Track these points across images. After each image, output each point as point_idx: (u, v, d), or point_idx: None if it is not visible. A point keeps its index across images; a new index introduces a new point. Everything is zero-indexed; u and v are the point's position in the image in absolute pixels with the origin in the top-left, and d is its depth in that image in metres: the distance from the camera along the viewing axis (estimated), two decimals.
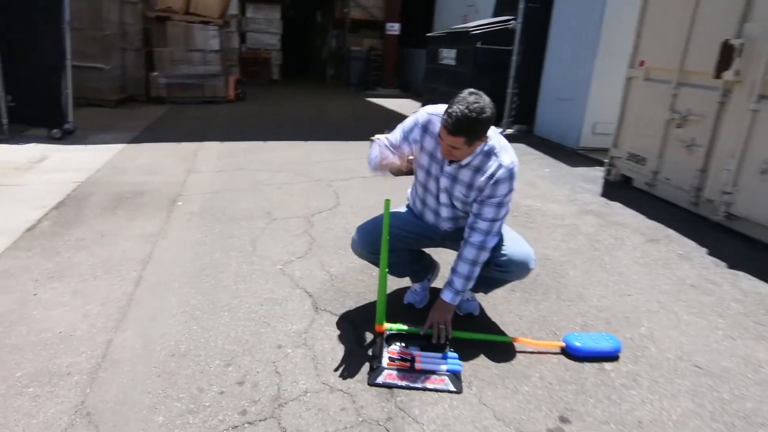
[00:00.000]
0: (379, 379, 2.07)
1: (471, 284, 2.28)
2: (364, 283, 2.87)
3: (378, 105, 10.80)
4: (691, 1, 4.32)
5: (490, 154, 2.13)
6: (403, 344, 2.25)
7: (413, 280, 2.71)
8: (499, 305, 2.72)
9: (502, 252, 2.26)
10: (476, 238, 2.18)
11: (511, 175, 2.13)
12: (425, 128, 2.20)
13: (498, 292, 2.83)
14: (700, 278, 3.17)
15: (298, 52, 17.73)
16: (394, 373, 2.09)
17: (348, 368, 2.15)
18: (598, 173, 5.46)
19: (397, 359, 2.14)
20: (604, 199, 4.64)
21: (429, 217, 2.41)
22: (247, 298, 2.66)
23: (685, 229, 3.95)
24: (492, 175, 2.11)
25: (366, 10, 14.00)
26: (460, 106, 1.94)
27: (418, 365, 2.11)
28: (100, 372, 2.05)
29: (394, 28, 13.42)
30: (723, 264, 3.38)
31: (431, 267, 2.76)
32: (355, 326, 2.45)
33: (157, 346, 2.22)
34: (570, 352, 2.31)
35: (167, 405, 1.89)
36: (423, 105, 10.04)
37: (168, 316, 2.46)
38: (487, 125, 2.01)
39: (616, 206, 4.45)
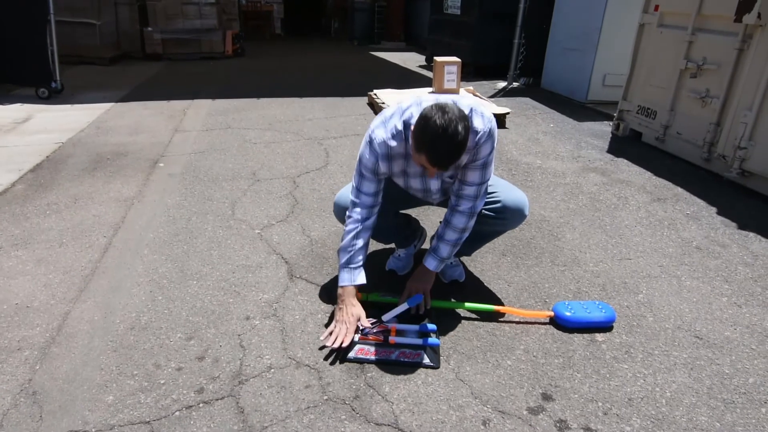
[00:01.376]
0: (351, 354, 1.92)
1: (456, 250, 2.13)
2: None
3: (381, 59, 10.40)
4: None
5: None
6: (374, 321, 2.09)
7: (398, 245, 2.54)
8: (487, 271, 2.55)
9: (497, 198, 2.13)
10: (465, 205, 2.02)
11: (489, 135, 1.91)
12: (389, 157, 1.95)
13: (487, 257, 2.66)
14: (708, 240, 2.96)
15: (302, 4, 17.13)
16: (367, 347, 1.94)
17: (318, 341, 2.01)
18: (606, 128, 5.17)
19: (376, 332, 2.00)
20: (610, 156, 4.38)
21: (419, 196, 2.23)
22: (219, 266, 2.51)
23: (695, 187, 3.71)
24: (474, 146, 1.91)
25: None
26: (443, 142, 1.67)
27: (392, 339, 1.97)
28: (53, 347, 1.93)
29: None
30: (733, 224, 3.16)
31: (418, 233, 2.59)
32: (330, 295, 2.30)
33: (116, 318, 2.10)
34: (559, 322, 2.15)
35: (119, 383, 1.77)
36: (427, 58, 9.63)
37: (132, 285, 2.33)
38: (468, 135, 1.75)
39: (623, 163, 4.20)
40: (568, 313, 2.14)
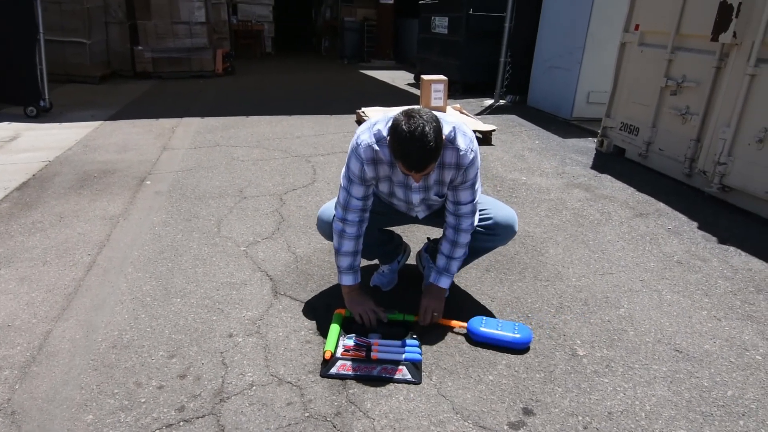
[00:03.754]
0: (333, 370, 1.93)
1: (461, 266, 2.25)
2: (330, 264, 2.72)
3: (371, 77, 10.51)
4: None
5: (446, 144, 1.94)
6: (352, 337, 2.09)
7: (382, 262, 2.56)
8: (471, 286, 2.57)
9: (488, 215, 2.20)
10: (466, 222, 2.12)
11: (474, 157, 2.00)
12: (374, 161, 1.98)
13: (471, 272, 2.68)
14: (688, 254, 3.01)
15: (291, 24, 17.32)
16: (349, 363, 1.95)
17: (300, 358, 2.01)
18: (590, 144, 5.25)
19: (353, 348, 2.00)
20: (594, 172, 4.45)
21: (401, 209, 2.28)
22: (203, 283, 2.52)
23: (676, 202, 3.77)
24: (458, 165, 1.98)
25: None
26: (408, 145, 1.74)
27: (374, 354, 1.97)
28: (33, 366, 1.92)
29: None
30: (714, 239, 3.21)
31: (401, 248, 2.61)
32: (314, 311, 2.31)
33: (98, 337, 2.09)
34: (470, 336, 2.16)
35: (99, 402, 1.76)
36: (415, 76, 9.75)
37: (115, 303, 2.32)
38: (440, 135, 1.80)
39: (606, 179, 4.26)
40: (482, 328, 2.14)
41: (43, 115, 5.80)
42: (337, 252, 2.15)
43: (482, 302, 2.45)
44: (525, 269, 2.76)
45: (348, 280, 2.17)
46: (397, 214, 2.33)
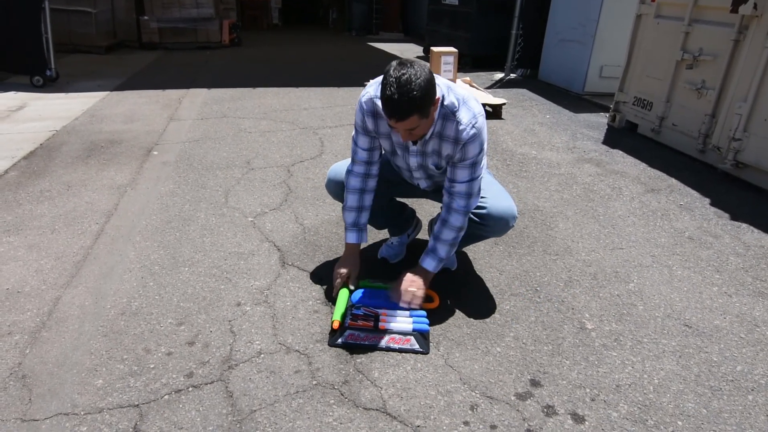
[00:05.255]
0: (340, 340, 1.93)
1: (454, 250, 2.16)
2: (337, 236, 2.71)
3: (379, 49, 10.35)
4: None
5: (448, 115, 1.89)
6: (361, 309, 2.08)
7: (392, 233, 2.54)
8: (480, 259, 2.56)
9: (483, 204, 2.09)
10: (459, 203, 2.00)
11: (477, 132, 1.89)
12: (374, 113, 1.97)
13: (479, 245, 2.66)
14: (700, 230, 2.97)
15: None
16: (356, 333, 1.95)
17: (308, 328, 2.01)
18: (602, 119, 5.16)
19: (361, 317, 2.00)
20: (605, 147, 4.38)
21: (406, 178, 2.26)
22: (211, 252, 2.51)
23: (689, 178, 3.71)
24: (456, 139, 1.90)
25: None
26: (392, 89, 1.68)
27: (382, 324, 1.97)
28: (43, 331, 1.93)
29: None
30: (726, 215, 3.17)
31: (412, 222, 2.58)
32: (321, 282, 2.31)
33: (107, 304, 2.10)
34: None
35: (109, 367, 1.77)
36: (424, 49, 9.61)
37: (124, 271, 2.33)
38: (429, 89, 1.73)
39: (618, 154, 4.20)
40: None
41: (49, 84, 5.76)
42: (343, 208, 2.17)
43: (490, 275, 2.43)
44: (534, 243, 2.74)
45: (350, 238, 2.15)
46: (406, 185, 2.30)
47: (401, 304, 2.05)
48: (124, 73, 6.75)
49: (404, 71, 1.69)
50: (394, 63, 1.75)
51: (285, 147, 4.04)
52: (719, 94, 3.88)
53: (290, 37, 11.67)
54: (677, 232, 2.93)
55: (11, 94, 5.38)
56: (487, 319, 2.12)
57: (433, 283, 2.17)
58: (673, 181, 3.67)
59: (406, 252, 2.55)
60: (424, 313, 2.04)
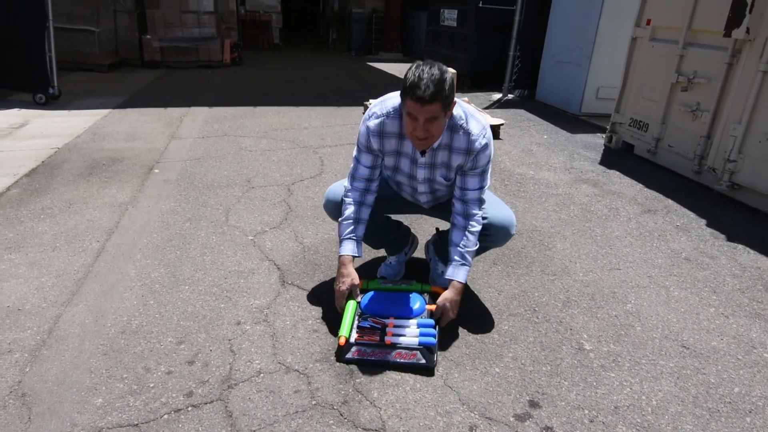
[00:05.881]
0: (348, 355, 1.93)
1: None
2: (337, 254, 2.72)
3: (378, 69, 10.48)
4: None
5: (456, 126, 1.98)
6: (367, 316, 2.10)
7: (389, 252, 2.56)
8: (478, 279, 2.57)
9: (484, 215, 2.15)
10: (474, 209, 2.09)
11: (486, 143, 2.01)
12: (381, 133, 2.04)
13: (478, 265, 2.68)
14: (697, 251, 3.00)
15: (300, 15, 17.26)
16: (363, 348, 1.95)
17: (307, 347, 2.02)
18: (599, 140, 5.22)
19: (368, 330, 2.00)
20: (602, 167, 4.43)
21: (406, 196, 2.30)
22: (211, 271, 2.53)
23: (685, 199, 3.75)
24: (468, 150, 1.99)
25: None
26: (422, 74, 1.78)
27: (388, 339, 1.97)
28: (43, 349, 1.94)
29: None
30: (722, 236, 3.20)
31: (408, 240, 2.61)
32: (321, 301, 2.32)
33: (108, 322, 2.11)
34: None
35: (109, 386, 1.78)
36: None
37: (124, 289, 2.34)
38: (452, 86, 1.84)
39: (615, 175, 4.24)
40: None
41: (51, 102, 5.81)
42: (340, 222, 2.14)
43: (489, 294, 2.45)
44: (532, 263, 2.76)
45: (344, 250, 2.11)
46: (402, 201, 2.33)
47: (442, 325, 2.07)
48: (126, 91, 6.82)
49: (433, 65, 1.82)
50: (420, 61, 1.85)
51: (285, 166, 4.08)
52: (714, 116, 3.94)
53: (291, 57, 11.81)
54: (674, 253, 2.96)
55: (14, 111, 5.42)
56: (486, 339, 2.13)
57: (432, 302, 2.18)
58: (670, 201, 3.71)
59: (405, 270, 2.56)
60: (431, 322, 2.04)
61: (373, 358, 1.93)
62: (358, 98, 6.30)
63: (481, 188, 2.08)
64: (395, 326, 2.03)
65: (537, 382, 1.90)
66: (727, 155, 3.72)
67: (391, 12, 13.14)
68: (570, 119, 6.07)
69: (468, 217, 2.09)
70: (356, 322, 2.05)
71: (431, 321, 2.05)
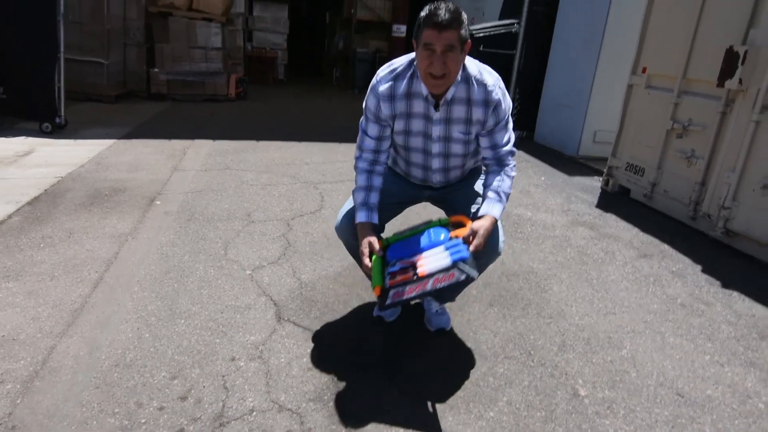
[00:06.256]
0: (389, 301, 1.87)
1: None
2: (334, 292, 2.74)
3: None
4: (696, 6, 4.16)
5: (471, 78, 2.00)
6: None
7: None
8: (474, 320, 2.58)
9: None
10: (509, 160, 2.13)
11: (503, 93, 2.05)
12: (391, 96, 2.04)
13: (474, 306, 2.69)
14: (692, 297, 3.01)
15: (305, 52, 17.65)
16: (400, 289, 1.86)
17: (301, 386, 2.01)
18: (596, 183, 5.29)
19: (399, 272, 1.90)
20: (599, 211, 4.47)
21: (417, 173, 2.26)
22: (208, 305, 2.53)
23: (680, 244, 3.78)
24: (486, 101, 2.01)
25: (373, 11, 13.87)
26: (439, 5, 1.86)
27: (421, 270, 1.85)
28: (36, 381, 1.93)
29: (400, 30, 13.27)
30: (717, 283, 3.21)
31: None
32: (316, 339, 2.32)
33: (102, 354, 2.10)
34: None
35: (100, 420, 1.76)
36: None
37: (121, 321, 2.34)
38: (467, 21, 1.90)
39: (611, 218, 4.28)
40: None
41: (58, 131, 5.90)
42: (354, 191, 2.16)
43: (485, 336, 2.45)
44: (528, 305, 2.77)
45: (360, 217, 2.08)
46: (408, 200, 2.36)
47: (471, 249, 1.91)
48: (132, 122, 6.92)
49: (448, 2, 1.88)
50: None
51: (285, 200, 4.12)
52: (708, 164, 4.02)
53: (295, 93, 12.03)
54: (669, 299, 2.97)
55: (20, 139, 5.50)
56: (481, 382, 2.12)
57: (429, 342, 2.19)
58: (665, 246, 3.74)
59: (401, 310, 2.57)
60: (459, 241, 1.91)
61: (413, 294, 1.86)
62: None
63: (509, 141, 2.11)
64: (424, 259, 1.91)
65: (531, 428, 1.89)
66: (722, 202, 3.77)
67: (394, 52, 13.47)
68: (567, 161, 6.16)
69: (504, 165, 2.11)
70: (386, 271, 1.94)
71: (458, 240, 1.91)
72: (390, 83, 2.03)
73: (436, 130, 2.08)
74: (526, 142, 7.21)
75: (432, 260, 1.87)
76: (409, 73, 2.03)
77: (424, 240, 1.98)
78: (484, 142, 2.11)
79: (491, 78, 2.02)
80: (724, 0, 3.96)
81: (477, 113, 2.02)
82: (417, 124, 2.08)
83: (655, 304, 2.90)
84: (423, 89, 2.00)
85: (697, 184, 4.06)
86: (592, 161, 6.04)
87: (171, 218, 3.59)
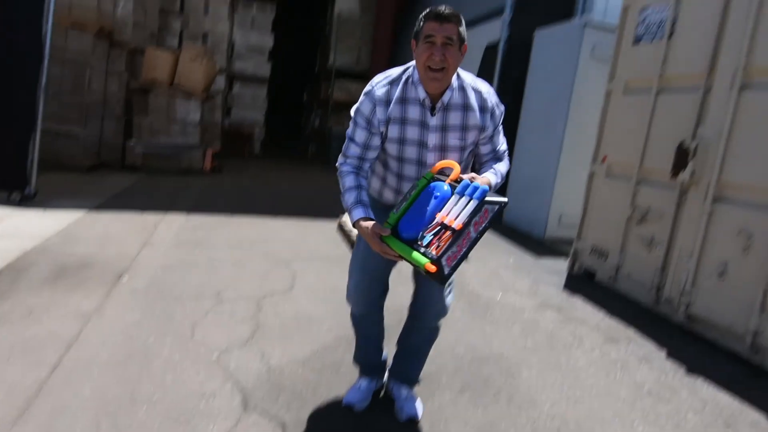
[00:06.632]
0: (447, 271, 1.76)
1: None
2: (303, 378, 2.69)
3: None
4: (649, 104, 4.49)
5: (467, 86, 2.09)
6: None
7: (364, 371, 2.53)
8: (445, 408, 2.55)
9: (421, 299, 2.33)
10: (505, 157, 2.26)
11: (497, 99, 2.14)
12: (386, 101, 2.05)
13: (444, 394, 2.67)
14: (659, 384, 3.05)
15: (282, 128, 18.12)
16: (450, 251, 1.75)
17: None
18: (562, 265, 5.43)
19: (434, 239, 1.81)
20: (566, 293, 4.57)
21: (408, 188, 2.19)
22: (171, 391, 2.45)
23: (645, 328, 3.86)
24: (483, 107, 2.10)
25: (349, 92, 14.49)
26: (439, 5, 1.97)
27: (457, 224, 1.77)
28: None
29: None
30: (682, 368, 3.27)
31: (385, 366, 2.60)
32: (282, 428, 2.25)
33: None
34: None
35: None
36: None
37: (78, 408, 2.24)
38: (464, 23, 2.01)
39: (578, 301, 4.37)
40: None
41: (27, 201, 5.82)
42: (343, 193, 2.09)
43: (456, 426, 2.42)
44: (499, 392, 2.76)
45: (357, 214, 2.02)
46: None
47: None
48: (103, 194, 6.89)
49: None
50: None
51: (257, 279, 4.10)
52: (668, 249, 4.19)
53: (270, 167, 12.21)
54: (637, 386, 3.00)
55: None
56: None
57: None
58: (631, 331, 3.81)
59: (371, 399, 2.52)
60: (465, 181, 1.87)
61: (464, 250, 1.77)
62: (333, 212, 6.49)
63: (504, 142, 2.25)
64: (447, 215, 1.83)
65: None
66: (682, 287, 3.91)
67: None
68: (535, 243, 6.33)
69: (499, 159, 2.23)
70: (419, 248, 1.83)
71: (465, 181, 1.87)
72: (386, 87, 2.08)
73: (432, 138, 2.08)
74: (495, 224, 7.39)
75: (456, 211, 1.82)
76: (404, 78, 2.08)
77: (430, 201, 1.92)
78: (485, 148, 2.20)
79: (485, 86, 2.15)
80: (674, 99, 4.31)
81: (474, 119, 2.08)
82: (412, 132, 2.07)
83: (623, 390, 2.92)
84: (419, 93, 2.04)
85: (658, 269, 4.22)
86: (559, 243, 6.22)
87: (138, 296, 3.53)
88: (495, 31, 7.68)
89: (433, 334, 2.47)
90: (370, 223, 1.97)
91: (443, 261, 1.75)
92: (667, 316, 4.08)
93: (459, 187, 1.87)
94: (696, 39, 4.11)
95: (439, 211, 1.86)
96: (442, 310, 2.35)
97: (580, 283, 4.90)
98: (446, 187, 1.91)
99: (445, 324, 2.46)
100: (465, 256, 1.79)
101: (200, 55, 9.83)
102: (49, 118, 7.30)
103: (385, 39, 14.53)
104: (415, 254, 1.82)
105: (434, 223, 1.85)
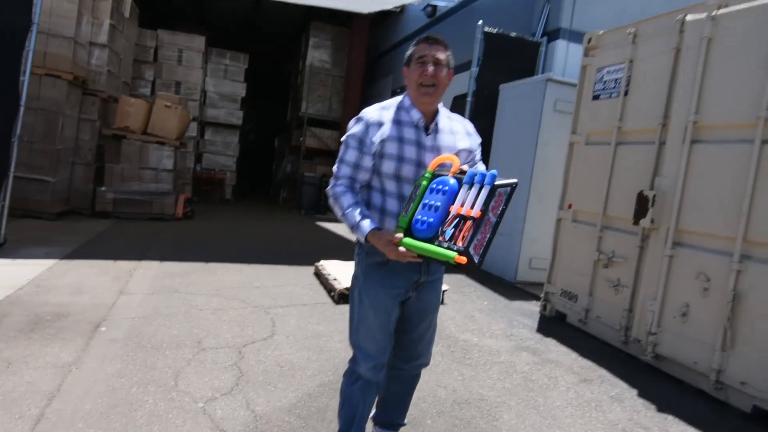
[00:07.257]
0: (477, 259, 1.78)
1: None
2: (289, 425, 2.72)
3: (327, 230, 10.98)
4: (609, 156, 4.80)
5: (449, 115, 2.28)
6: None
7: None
8: None
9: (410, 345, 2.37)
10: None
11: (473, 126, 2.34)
12: (379, 123, 2.13)
13: None
14: (631, 422, 3.17)
15: (253, 173, 18.23)
16: (475, 241, 1.78)
17: None
18: (534, 308, 5.60)
19: (458, 230, 1.82)
20: (539, 335, 4.71)
21: (405, 192, 2.23)
22: None
23: (616, 368, 4.02)
24: (468, 132, 2.29)
25: (321, 140, 14.80)
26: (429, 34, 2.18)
27: (475, 213, 1.81)
28: None
29: None
30: (653, 407, 3.42)
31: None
32: None
33: None
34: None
35: None
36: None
37: None
38: (451, 53, 2.18)
39: (551, 343, 4.52)
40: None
41: None
42: (344, 214, 2.08)
43: None
44: None
45: (369, 225, 2.02)
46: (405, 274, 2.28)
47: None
48: (74, 241, 6.79)
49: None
50: None
51: (236, 326, 4.11)
52: (633, 292, 4.40)
53: (242, 213, 12.22)
54: (611, 425, 3.12)
55: None
56: None
57: None
58: (603, 371, 3.96)
59: None
60: (470, 171, 1.92)
61: (488, 236, 1.81)
62: (309, 258, 6.56)
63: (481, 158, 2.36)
64: (463, 207, 1.85)
65: None
66: (649, 328, 4.10)
67: None
68: (507, 286, 6.51)
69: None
70: (442, 243, 1.84)
71: (469, 171, 1.93)
72: (379, 112, 2.17)
73: (429, 158, 2.10)
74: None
75: (470, 200, 1.86)
76: (396, 106, 2.20)
77: (438, 197, 1.92)
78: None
79: (458, 115, 2.35)
80: (632, 151, 4.62)
81: (463, 142, 2.24)
82: (410, 151, 2.11)
83: (598, 430, 3.03)
84: (413, 116, 2.14)
85: (625, 310, 4.42)
86: (530, 286, 6.41)
87: (118, 346, 3.50)
88: (462, 83, 8.08)
89: (415, 380, 2.54)
90: (383, 233, 1.99)
91: (471, 250, 1.77)
92: (635, 356, 4.25)
93: (466, 177, 1.91)
94: (649, 97, 4.47)
95: (452, 204, 1.88)
96: (427, 360, 2.42)
97: (553, 324, 5.06)
98: (452, 180, 1.93)
99: (426, 367, 2.55)
100: (490, 242, 1.82)
101: (174, 103, 9.95)
102: (18, 166, 7.23)
103: (356, 89, 15.02)
104: (440, 250, 1.82)
105: (451, 216, 1.86)
